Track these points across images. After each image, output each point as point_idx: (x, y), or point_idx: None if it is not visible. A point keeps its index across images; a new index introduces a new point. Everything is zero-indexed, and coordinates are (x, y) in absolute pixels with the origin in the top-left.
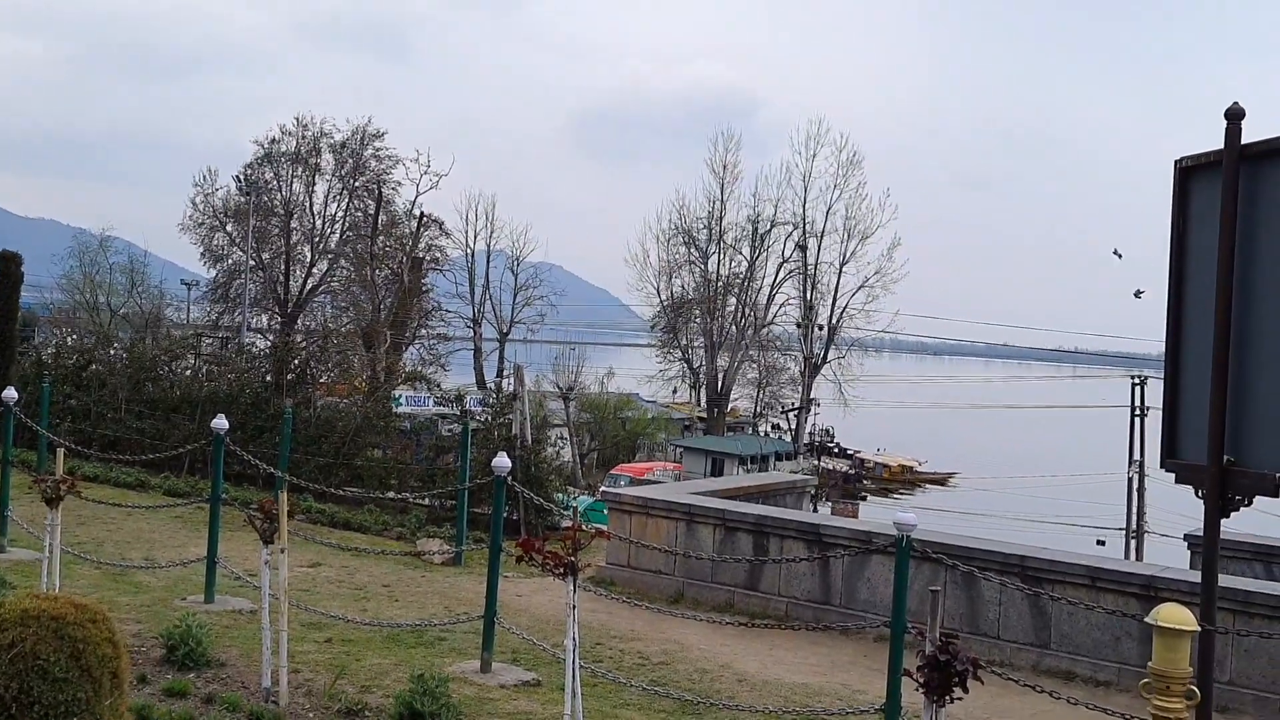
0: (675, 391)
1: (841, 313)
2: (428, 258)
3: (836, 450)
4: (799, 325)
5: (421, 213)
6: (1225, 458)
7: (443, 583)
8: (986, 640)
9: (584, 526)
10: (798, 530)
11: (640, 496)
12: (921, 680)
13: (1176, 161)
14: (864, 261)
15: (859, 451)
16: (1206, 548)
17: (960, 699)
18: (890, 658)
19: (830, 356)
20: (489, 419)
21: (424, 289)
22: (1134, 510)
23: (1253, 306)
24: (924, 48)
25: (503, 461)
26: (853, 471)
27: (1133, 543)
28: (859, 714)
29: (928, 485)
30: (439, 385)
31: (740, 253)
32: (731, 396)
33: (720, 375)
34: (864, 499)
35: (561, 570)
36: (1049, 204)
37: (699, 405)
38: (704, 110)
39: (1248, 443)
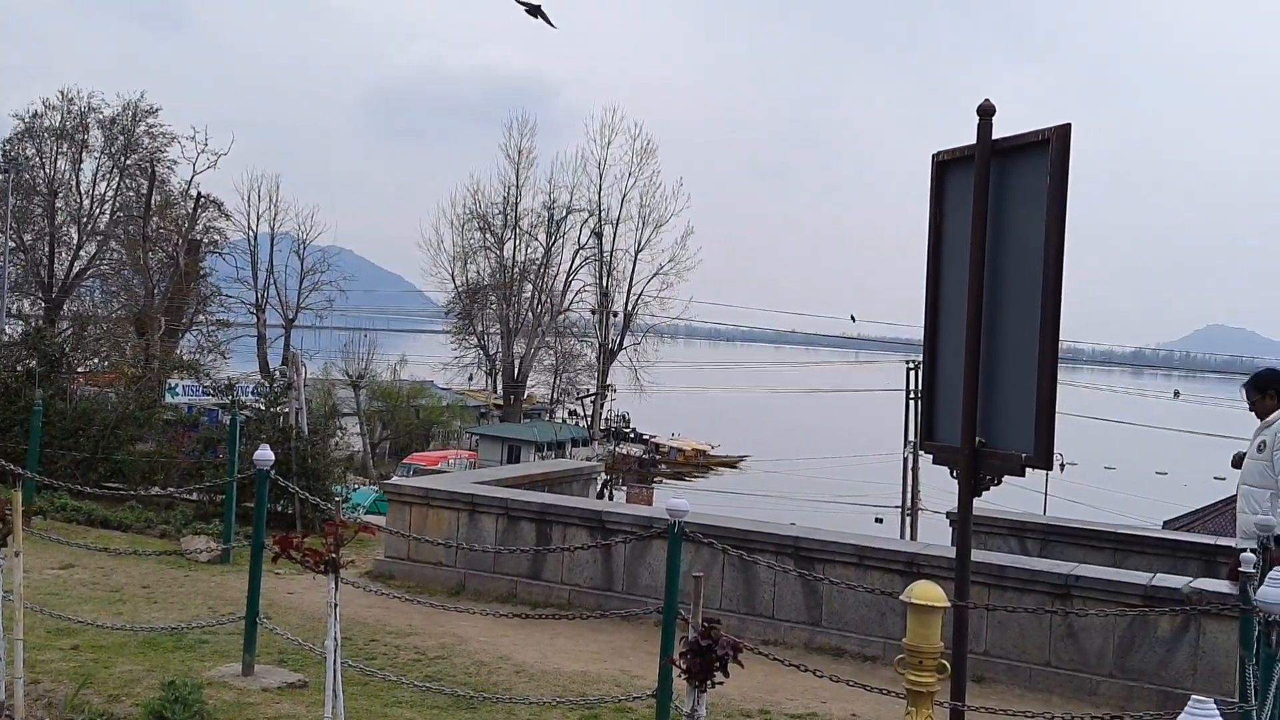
0: (471, 378)
1: (637, 300)
2: (206, 240)
3: (633, 435)
4: (594, 312)
5: (199, 193)
6: (977, 440)
7: (208, 582)
8: (762, 620)
9: (346, 520)
10: (581, 518)
11: (421, 487)
12: (684, 667)
13: (934, 155)
14: (658, 249)
15: (654, 436)
16: (960, 526)
17: (721, 683)
18: (662, 643)
19: (626, 343)
20: (263, 409)
21: (202, 273)
22: (909, 489)
23: (1002, 295)
24: (714, 41)
25: (265, 454)
26: (648, 456)
27: (908, 520)
28: (634, 700)
29: (720, 468)
30: (208, 374)
31: (536, 239)
32: (528, 383)
33: (517, 362)
34: (659, 483)
35: (322, 567)
36: (834, 193)
37: (495, 392)
38: (501, 94)
39: (997, 425)
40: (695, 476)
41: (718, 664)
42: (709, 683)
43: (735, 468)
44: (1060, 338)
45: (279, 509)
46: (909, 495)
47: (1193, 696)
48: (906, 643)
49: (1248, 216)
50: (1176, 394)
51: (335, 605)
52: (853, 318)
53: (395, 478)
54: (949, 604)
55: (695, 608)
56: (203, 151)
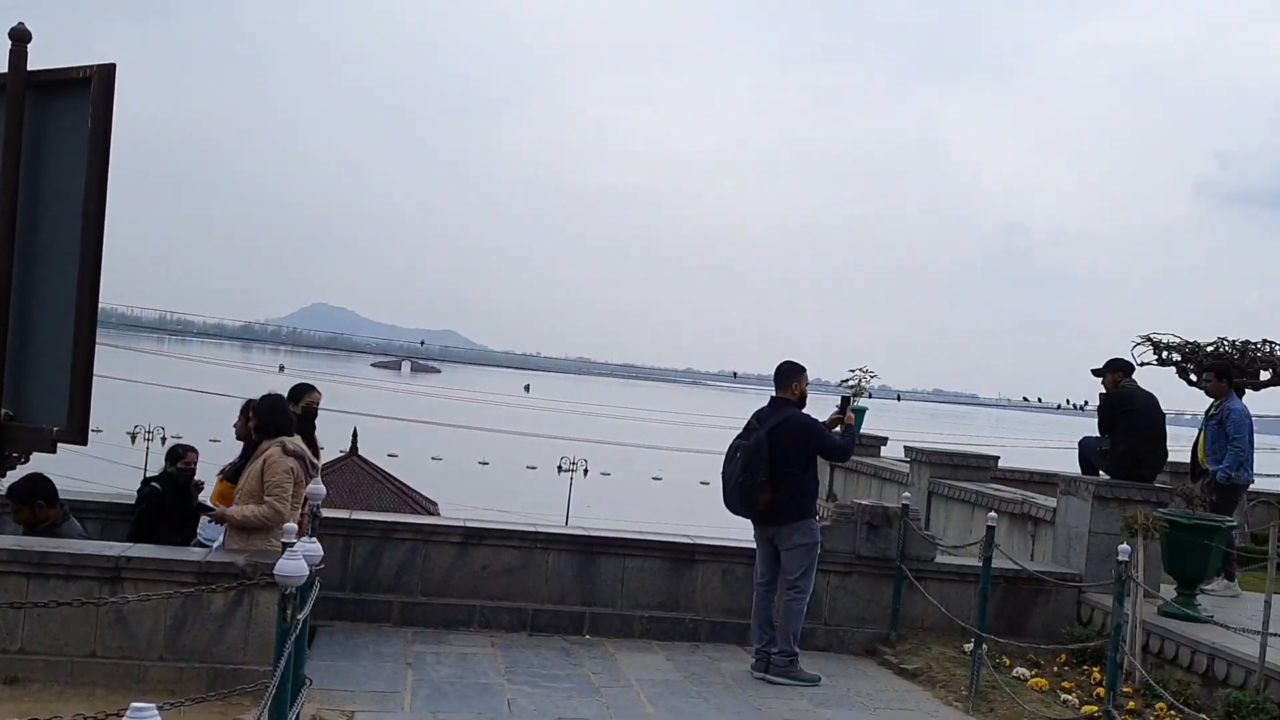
0: None
1: None
2: None
3: None
4: None
5: None
6: (4, 412)
7: None
8: None
9: None
10: None
11: None
12: None
13: None
14: None
15: None
16: None
17: None
18: None
19: None
20: None
21: None
22: None
23: (37, 253)
24: None
25: None
26: None
27: None
28: None
29: None
30: None
31: None
32: None
33: None
34: None
35: None
36: None
37: None
38: None
39: (28, 397)
40: None
41: None
42: None
43: None
44: (166, 308)
45: None
46: None
47: (133, 704)
48: None
49: (352, 205)
50: (282, 368)
51: None
52: None
53: None
54: None
55: None
56: None
